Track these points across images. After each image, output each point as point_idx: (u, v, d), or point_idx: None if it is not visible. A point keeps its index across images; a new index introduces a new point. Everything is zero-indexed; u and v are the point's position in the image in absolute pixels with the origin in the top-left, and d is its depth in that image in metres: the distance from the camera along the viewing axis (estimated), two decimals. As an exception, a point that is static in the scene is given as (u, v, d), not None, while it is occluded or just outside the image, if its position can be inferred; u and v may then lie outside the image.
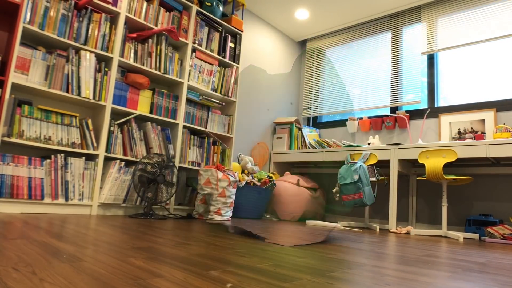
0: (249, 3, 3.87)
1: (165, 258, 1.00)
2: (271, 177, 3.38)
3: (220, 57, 3.29)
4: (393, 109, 3.76)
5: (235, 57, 3.45)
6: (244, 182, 3.11)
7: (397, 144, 3.05)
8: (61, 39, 2.30)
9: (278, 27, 4.34)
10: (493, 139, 2.69)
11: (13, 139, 2.08)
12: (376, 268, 1.08)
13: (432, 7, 3.58)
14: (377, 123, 3.75)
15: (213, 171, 2.76)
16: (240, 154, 3.59)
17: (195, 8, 3.10)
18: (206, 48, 3.21)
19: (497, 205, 2.93)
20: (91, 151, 2.41)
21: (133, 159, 2.65)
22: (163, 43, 2.86)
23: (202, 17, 3.18)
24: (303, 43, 4.73)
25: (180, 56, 3.07)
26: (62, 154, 2.29)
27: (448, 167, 3.17)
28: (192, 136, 3.07)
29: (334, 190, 3.05)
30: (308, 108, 4.47)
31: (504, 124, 2.94)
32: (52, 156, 2.24)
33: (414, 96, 3.56)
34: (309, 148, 3.93)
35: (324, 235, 2.08)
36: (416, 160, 2.98)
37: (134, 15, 2.71)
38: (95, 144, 2.44)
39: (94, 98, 2.44)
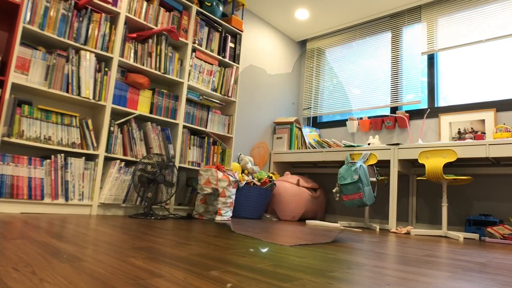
0: (249, 3, 3.87)
1: (165, 258, 1.00)
2: (271, 177, 3.38)
3: (220, 57, 3.29)
4: (393, 109, 3.76)
5: (235, 57, 3.45)
6: (244, 182, 3.11)
7: (397, 144, 3.05)
8: (61, 39, 2.30)
9: (278, 27, 4.34)
10: (493, 139, 2.69)
11: (13, 139, 2.08)
12: (376, 268, 1.08)
13: (432, 7, 3.58)
14: (377, 123, 3.75)
15: (213, 171, 2.76)
16: (240, 154, 3.59)
17: (195, 8, 3.10)
18: (206, 48, 3.21)
19: (497, 205, 2.93)
20: (91, 151, 2.41)
21: (133, 159, 2.65)
22: (163, 43, 2.86)
23: (202, 17, 3.18)
24: (303, 43, 4.73)
25: (180, 56, 3.07)
26: (62, 154, 2.29)
27: (448, 167, 3.17)
28: (192, 136, 3.07)
29: (334, 190, 3.05)
30: (308, 108, 4.47)
31: (504, 124, 2.94)
32: (52, 156, 2.24)
33: (414, 96, 3.56)
34: (309, 148, 3.93)
35: (328, 236, 2.08)
36: (416, 160, 2.98)
37: (134, 15, 2.71)
38: (95, 144, 2.44)
39: (94, 98, 2.44)
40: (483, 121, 3.09)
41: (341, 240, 1.89)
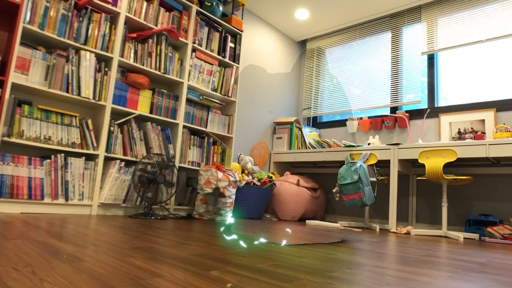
0: (249, 3, 3.87)
1: (165, 258, 1.00)
2: (271, 177, 3.38)
3: (220, 57, 3.29)
4: (393, 109, 3.76)
5: (235, 57, 3.45)
6: (244, 182, 3.11)
7: (397, 144, 3.05)
8: (61, 39, 2.30)
9: (278, 27, 4.34)
10: (493, 139, 2.69)
11: (13, 139, 2.08)
12: (376, 268, 1.08)
13: (432, 7, 3.58)
14: (377, 123, 3.75)
15: (213, 171, 2.76)
16: (240, 154, 3.59)
17: (195, 8, 3.10)
18: (206, 48, 3.21)
19: (497, 205, 2.93)
20: (91, 151, 2.41)
21: (133, 159, 2.65)
22: (163, 43, 2.86)
23: (202, 17, 3.18)
24: (303, 43, 4.73)
25: (180, 56, 3.07)
26: (62, 154, 2.29)
27: (448, 167, 3.17)
28: (192, 136, 3.07)
29: (334, 190, 3.05)
30: (308, 108, 4.47)
31: (504, 124, 2.94)
32: (52, 156, 2.24)
33: (414, 96, 3.56)
34: (309, 148, 3.93)
35: (329, 236, 2.08)
36: (416, 160, 2.98)
37: (134, 15, 2.71)
38: (95, 144, 2.44)
39: (94, 98, 2.44)
40: (483, 121, 3.09)
41: (343, 240, 1.89)
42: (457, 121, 3.22)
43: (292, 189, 3.45)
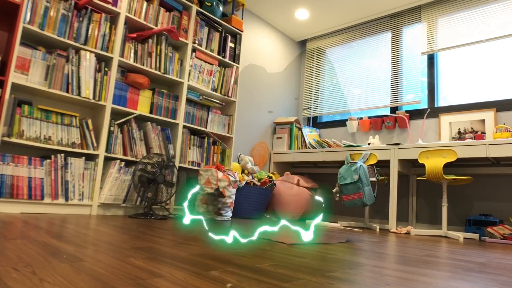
0: (249, 3, 3.87)
1: (165, 258, 1.00)
2: (271, 177, 3.38)
3: (220, 57, 3.29)
4: (393, 109, 3.76)
5: (235, 57, 3.45)
6: (244, 182, 3.11)
7: (397, 144, 3.05)
8: (61, 39, 2.30)
9: (278, 27, 4.34)
10: (493, 139, 2.69)
11: (13, 139, 2.08)
12: (376, 268, 1.08)
13: (432, 7, 3.58)
14: (377, 123, 3.75)
15: (213, 171, 2.76)
16: (240, 154, 3.59)
17: (195, 8, 3.10)
18: (206, 48, 3.21)
19: (497, 205, 2.93)
20: (91, 151, 2.41)
21: (133, 159, 2.65)
22: (163, 43, 2.86)
23: (202, 17, 3.18)
24: (303, 43, 4.73)
25: (180, 56, 3.07)
26: (62, 154, 2.29)
27: (448, 167, 3.17)
28: (192, 136, 3.07)
29: (334, 190, 3.05)
30: (308, 108, 4.47)
31: (504, 124, 2.94)
32: (52, 156, 2.24)
33: (414, 96, 3.56)
34: (309, 148, 3.93)
35: (329, 236, 2.08)
36: (416, 160, 2.98)
37: (134, 15, 2.71)
38: (95, 144, 2.44)
39: (94, 98, 2.44)
40: (483, 121, 3.09)
41: (348, 240, 1.89)
42: (457, 121, 3.22)
43: (292, 189, 3.45)
